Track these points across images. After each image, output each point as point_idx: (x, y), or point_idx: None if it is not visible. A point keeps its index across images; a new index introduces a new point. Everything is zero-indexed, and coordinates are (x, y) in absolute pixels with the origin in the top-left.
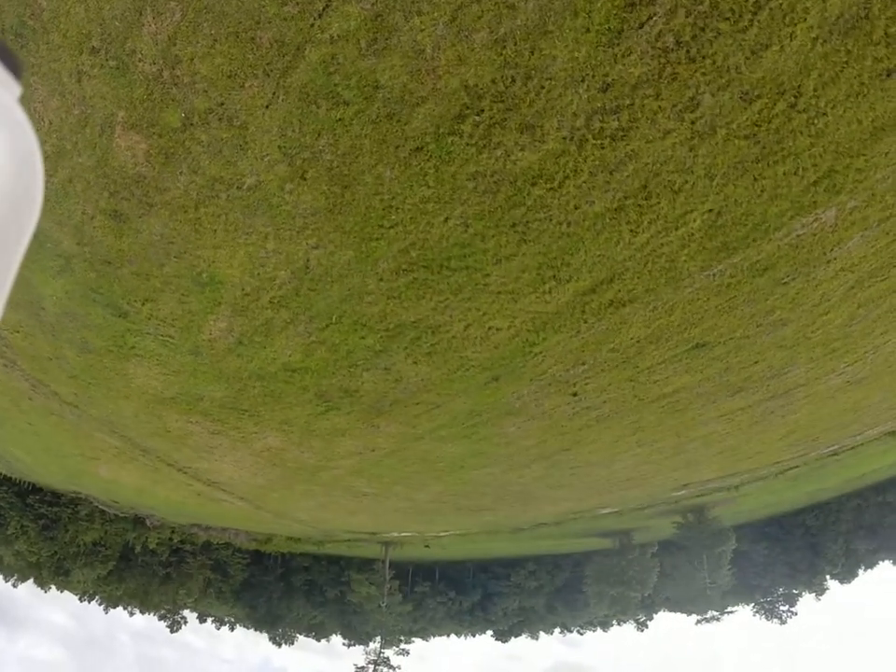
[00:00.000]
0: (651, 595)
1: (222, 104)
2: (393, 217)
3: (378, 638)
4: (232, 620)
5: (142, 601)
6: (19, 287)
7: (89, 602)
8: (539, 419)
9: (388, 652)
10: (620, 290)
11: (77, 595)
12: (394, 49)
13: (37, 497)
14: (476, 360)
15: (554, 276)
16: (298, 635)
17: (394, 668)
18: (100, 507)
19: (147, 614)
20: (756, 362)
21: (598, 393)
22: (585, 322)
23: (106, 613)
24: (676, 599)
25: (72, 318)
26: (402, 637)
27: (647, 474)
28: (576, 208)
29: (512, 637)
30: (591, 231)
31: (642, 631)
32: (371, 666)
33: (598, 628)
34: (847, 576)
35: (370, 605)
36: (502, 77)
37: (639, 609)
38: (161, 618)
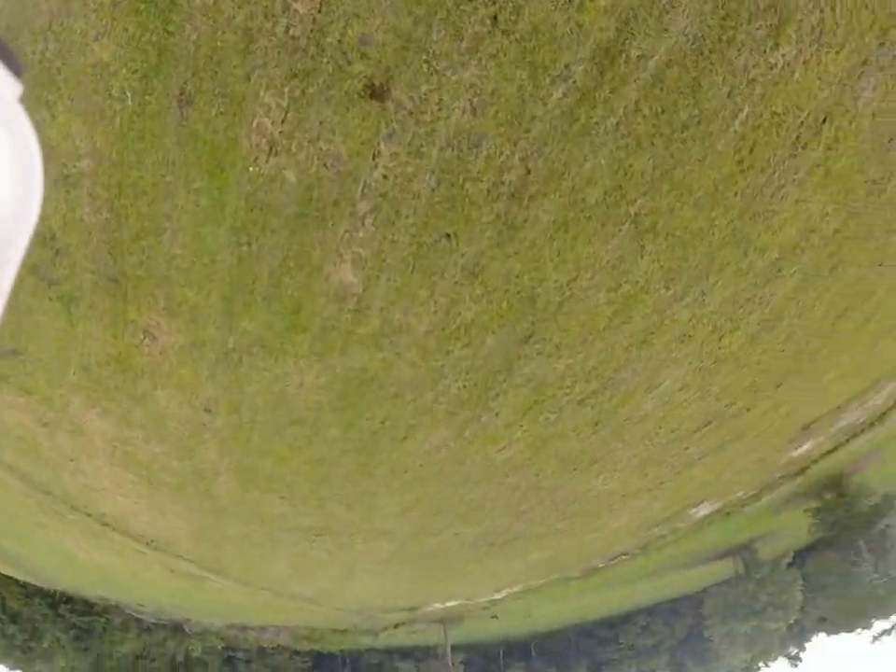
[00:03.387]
0: (799, 619)
1: None
2: None
3: None
4: None
5: None
6: None
7: None
8: None
9: None
10: None
11: None
12: None
13: (69, 607)
14: None
15: None
16: None
17: None
18: (133, 615)
19: None
20: None
21: None
22: None
23: None
24: (836, 617)
25: None
26: None
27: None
28: None
29: None
30: None
31: (796, 666)
32: None
33: None
34: None
35: None
36: None
37: (788, 641)
38: None
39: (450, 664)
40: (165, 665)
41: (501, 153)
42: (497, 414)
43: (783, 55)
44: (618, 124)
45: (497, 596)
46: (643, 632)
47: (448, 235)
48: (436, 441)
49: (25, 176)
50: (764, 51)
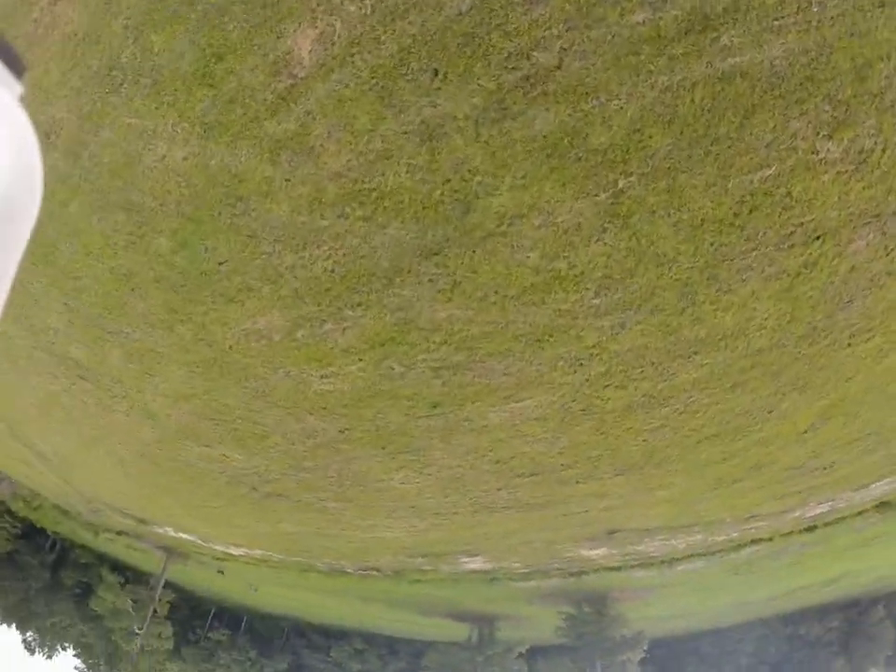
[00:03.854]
0: None
1: None
2: None
3: None
4: None
5: None
6: None
7: None
8: None
9: None
10: None
11: None
12: None
13: None
14: None
15: None
16: (60, 647)
17: None
18: None
19: None
20: None
21: None
22: None
23: None
24: None
25: None
26: None
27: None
28: None
29: None
30: None
31: None
32: None
33: None
34: None
35: (115, 623)
36: None
37: None
38: None
39: (157, 597)
40: None
41: (549, 27)
42: (344, 329)
43: (828, 150)
44: (666, 89)
45: (233, 552)
46: (356, 655)
47: (436, 73)
48: (263, 323)
49: (25, 176)
50: (818, 133)
